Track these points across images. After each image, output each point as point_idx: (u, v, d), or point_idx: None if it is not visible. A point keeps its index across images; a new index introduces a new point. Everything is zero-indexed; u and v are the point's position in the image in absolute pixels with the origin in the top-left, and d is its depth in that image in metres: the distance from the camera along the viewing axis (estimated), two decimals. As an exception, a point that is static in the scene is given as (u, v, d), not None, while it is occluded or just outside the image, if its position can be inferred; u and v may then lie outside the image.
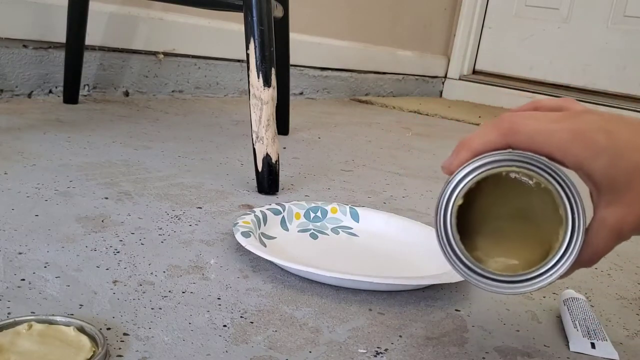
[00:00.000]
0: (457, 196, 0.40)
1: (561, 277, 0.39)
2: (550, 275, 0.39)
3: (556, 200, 0.38)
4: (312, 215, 0.70)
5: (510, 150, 0.39)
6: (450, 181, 0.40)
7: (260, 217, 0.65)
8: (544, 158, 0.38)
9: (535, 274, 0.39)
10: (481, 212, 0.41)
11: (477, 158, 0.39)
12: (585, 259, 0.40)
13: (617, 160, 0.37)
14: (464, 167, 0.39)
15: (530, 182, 0.39)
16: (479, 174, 0.39)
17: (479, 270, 0.40)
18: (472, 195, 0.40)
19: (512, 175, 0.40)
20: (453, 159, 0.41)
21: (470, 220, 0.41)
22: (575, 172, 0.39)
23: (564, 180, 0.38)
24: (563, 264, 0.38)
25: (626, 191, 0.38)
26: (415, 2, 2.39)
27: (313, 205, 0.70)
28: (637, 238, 0.87)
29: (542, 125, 0.39)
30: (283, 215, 0.68)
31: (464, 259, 0.40)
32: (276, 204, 0.69)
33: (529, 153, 0.38)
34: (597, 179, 0.38)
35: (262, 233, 0.63)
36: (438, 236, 0.40)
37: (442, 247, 0.41)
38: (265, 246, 0.60)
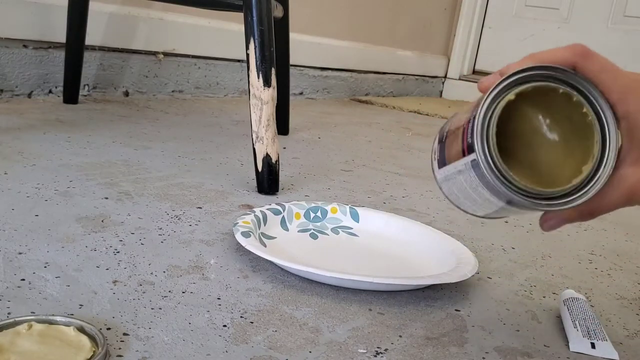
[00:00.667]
0: (511, 92, 0.38)
1: (550, 223, 0.41)
2: (578, 199, 0.38)
3: (595, 137, 0.38)
4: (312, 215, 0.70)
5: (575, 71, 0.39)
6: (506, 77, 0.38)
7: (260, 217, 0.65)
8: (603, 95, 0.38)
9: (557, 194, 0.38)
10: (523, 126, 0.40)
11: (541, 64, 0.38)
12: (588, 210, 0.41)
13: None
14: (528, 69, 0.38)
15: (581, 110, 0.38)
16: (541, 82, 0.38)
17: (513, 181, 0.38)
18: (518, 107, 0.39)
19: (566, 97, 0.39)
20: (508, 67, 0.40)
21: (511, 135, 0.40)
22: (620, 120, 0.39)
23: (606, 119, 0.38)
24: (593, 188, 0.38)
25: None
26: (415, 2, 2.39)
27: (313, 205, 0.70)
28: (638, 239, 0.87)
29: (614, 65, 0.39)
30: (283, 215, 0.68)
31: (500, 167, 0.38)
32: (276, 204, 0.69)
33: (592, 86, 0.38)
34: (637, 133, 0.38)
35: (262, 233, 0.63)
36: (474, 132, 0.38)
37: (476, 145, 0.38)
38: (265, 246, 0.60)
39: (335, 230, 0.69)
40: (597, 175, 0.38)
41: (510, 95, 0.38)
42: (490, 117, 0.38)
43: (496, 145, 0.38)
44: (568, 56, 0.40)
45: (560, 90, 0.39)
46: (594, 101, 0.38)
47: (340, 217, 0.70)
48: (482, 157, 0.38)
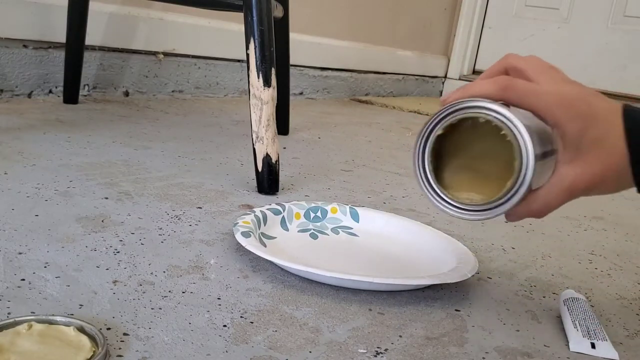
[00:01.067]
0: (440, 127, 0.46)
1: (509, 218, 0.47)
2: (493, 212, 0.46)
3: (515, 154, 0.44)
4: (312, 215, 0.70)
5: (501, 102, 0.45)
6: (437, 114, 0.46)
7: (260, 217, 0.65)
8: (518, 121, 0.44)
9: (484, 208, 0.46)
10: (457, 150, 0.48)
11: (470, 99, 0.45)
12: (537, 209, 0.47)
13: (589, 126, 0.45)
14: (456, 104, 0.45)
15: (501, 132, 0.44)
16: (465, 112, 0.45)
17: (442, 195, 0.48)
18: (452, 134, 0.47)
19: (489, 123, 0.45)
20: (449, 96, 0.47)
21: (448, 158, 0.48)
22: (552, 129, 0.46)
23: (524, 145, 0.44)
24: (508, 203, 0.45)
25: (587, 153, 0.45)
26: (415, 2, 2.39)
27: (313, 205, 0.70)
28: (638, 239, 0.87)
29: (534, 87, 0.45)
30: (283, 215, 0.68)
31: (433, 185, 0.48)
32: (276, 204, 0.69)
33: (508, 113, 0.44)
34: (568, 139, 0.45)
35: (262, 233, 0.63)
36: (415, 158, 0.48)
37: (416, 170, 0.48)
38: (265, 246, 0.60)
39: (335, 230, 0.69)
40: (518, 186, 0.44)
41: (439, 130, 0.47)
42: (424, 151, 0.47)
43: (432, 172, 0.48)
44: (493, 90, 0.46)
45: (482, 119, 0.45)
46: (510, 124, 0.44)
47: (340, 217, 0.70)
48: (422, 185, 0.48)
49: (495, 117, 0.44)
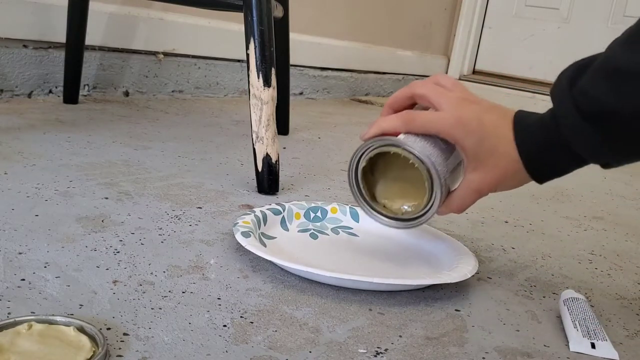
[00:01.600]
0: (363, 160, 0.57)
1: (437, 214, 0.57)
2: (421, 220, 0.57)
3: (424, 177, 0.55)
4: (312, 215, 0.70)
5: (404, 136, 0.55)
6: (359, 148, 0.57)
7: (260, 217, 0.65)
8: (419, 152, 0.53)
9: (412, 216, 0.58)
10: (387, 166, 0.59)
11: (380, 138, 0.55)
12: (456, 207, 0.57)
13: (482, 140, 0.53)
14: (371, 142, 0.56)
15: (410, 160, 0.54)
16: (378, 148, 0.56)
17: (378, 210, 0.60)
18: (377, 159, 0.57)
19: (395, 154, 0.55)
20: (367, 133, 0.56)
21: (381, 172, 0.59)
22: (455, 145, 0.55)
23: (427, 169, 0.54)
24: (427, 215, 0.56)
25: (485, 161, 0.54)
26: (415, 2, 2.39)
27: (313, 205, 0.70)
28: (638, 239, 0.87)
29: (431, 116, 0.55)
30: (283, 215, 0.67)
31: (369, 201, 0.60)
32: (276, 204, 0.69)
33: (410, 147, 0.54)
34: (468, 152, 0.54)
35: (262, 233, 0.63)
36: (350, 184, 0.59)
37: (352, 191, 0.60)
38: (265, 246, 0.60)
39: (335, 230, 0.69)
40: (433, 201, 0.55)
41: (363, 163, 0.57)
42: (356, 178, 0.59)
43: (366, 193, 0.59)
44: (399, 125, 0.55)
45: (392, 151, 0.55)
46: (413, 157, 0.54)
47: (340, 217, 0.70)
48: (360, 204, 0.60)
49: (401, 151, 0.54)
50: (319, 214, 0.70)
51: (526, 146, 0.54)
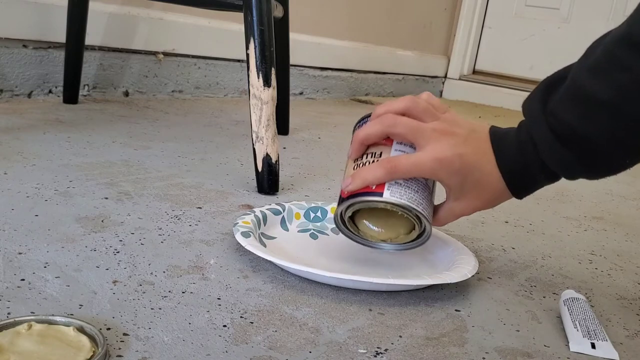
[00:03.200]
0: (348, 211, 0.57)
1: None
2: (417, 245, 0.59)
3: (412, 221, 0.57)
4: (312, 215, 0.70)
5: (388, 188, 0.55)
6: (344, 202, 0.57)
7: (260, 217, 0.64)
8: (405, 203, 0.54)
9: (408, 246, 0.59)
10: (370, 211, 0.59)
11: (364, 194, 0.55)
12: (438, 224, 0.60)
13: (465, 177, 0.55)
14: (356, 200, 0.56)
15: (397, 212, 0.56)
16: (364, 203, 0.56)
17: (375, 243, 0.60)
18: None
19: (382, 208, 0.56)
20: (350, 184, 0.56)
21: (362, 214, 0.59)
22: (439, 182, 0.58)
23: (417, 216, 0.55)
24: (420, 243, 0.58)
25: (469, 193, 0.57)
26: (415, 2, 2.39)
27: (313, 205, 0.70)
28: (638, 239, 0.87)
29: (413, 162, 0.55)
30: (283, 216, 0.67)
31: (362, 236, 0.59)
32: (276, 204, 0.68)
33: (398, 200, 0.55)
34: (451, 188, 0.57)
35: (262, 233, 0.63)
36: (338, 227, 0.59)
37: (344, 233, 0.60)
38: (265, 246, 0.60)
39: (335, 230, 0.69)
40: (423, 238, 0.57)
41: (349, 213, 0.57)
42: (345, 224, 0.58)
43: (352, 228, 0.59)
44: (383, 175, 0.55)
45: (380, 207, 0.56)
46: (404, 205, 0.55)
47: None
48: (357, 241, 0.60)
49: (390, 207, 0.55)
50: (318, 214, 0.70)
51: (509, 170, 0.56)
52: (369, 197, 0.55)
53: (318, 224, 0.69)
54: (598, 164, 0.53)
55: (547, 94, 0.54)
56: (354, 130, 0.62)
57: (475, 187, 0.56)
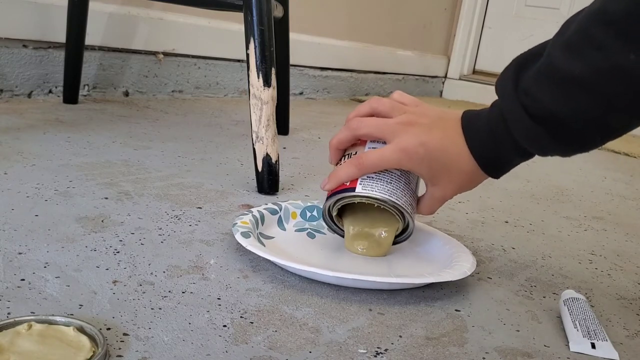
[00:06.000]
0: (333, 209, 0.61)
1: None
2: (402, 238, 0.63)
3: (392, 213, 0.60)
4: (309, 214, 0.70)
5: (361, 182, 0.58)
6: (327, 200, 0.61)
7: (258, 217, 0.64)
8: (378, 196, 0.57)
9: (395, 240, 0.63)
10: (353, 208, 0.63)
11: (340, 191, 0.59)
12: (424, 212, 0.61)
13: (432, 164, 0.56)
14: (334, 198, 0.59)
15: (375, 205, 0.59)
16: (342, 201, 0.60)
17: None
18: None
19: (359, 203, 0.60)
20: (327, 184, 0.60)
21: (348, 213, 0.63)
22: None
23: (394, 206, 0.58)
24: (406, 236, 0.62)
25: (442, 178, 0.58)
26: (415, 2, 2.39)
27: (309, 204, 0.70)
28: (638, 239, 0.87)
29: (379, 157, 0.57)
30: (280, 215, 0.68)
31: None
32: (272, 203, 0.68)
33: (369, 193, 0.58)
34: (423, 176, 0.59)
35: (260, 233, 0.63)
36: (327, 224, 0.64)
37: (330, 228, 0.64)
38: (264, 246, 0.60)
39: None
40: (407, 225, 0.61)
41: (334, 212, 0.62)
42: (334, 222, 0.63)
43: (339, 225, 0.63)
44: (354, 172, 0.58)
45: (357, 201, 0.59)
46: (378, 197, 0.57)
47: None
48: (330, 227, 0.65)
49: (365, 200, 0.58)
50: (314, 213, 0.70)
51: (481, 152, 0.57)
52: (344, 193, 0.59)
53: (314, 223, 0.69)
54: (571, 141, 0.53)
55: (519, 72, 0.54)
56: None
57: (446, 171, 0.57)
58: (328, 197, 0.60)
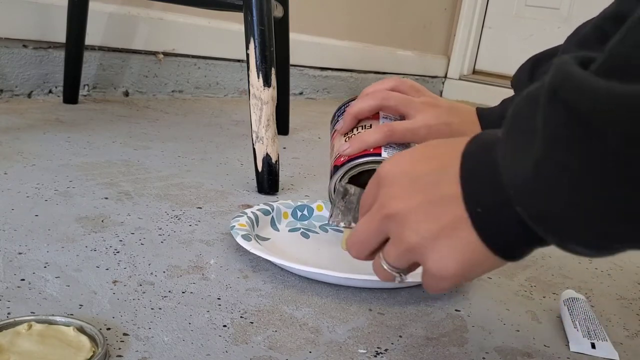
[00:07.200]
0: (344, 178, 0.59)
1: None
2: None
3: None
4: (299, 214, 0.70)
5: (385, 150, 0.57)
6: (341, 167, 0.58)
7: (253, 218, 0.64)
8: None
9: None
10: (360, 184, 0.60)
11: (363, 155, 0.57)
12: None
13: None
14: (353, 160, 0.57)
15: None
16: (362, 166, 0.58)
17: None
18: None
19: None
20: (348, 147, 0.58)
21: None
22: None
23: None
24: None
25: None
26: (415, 2, 2.39)
27: (299, 203, 0.70)
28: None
29: (407, 126, 0.58)
30: (272, 216, 0.68)
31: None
32: (264, 203, 0.68)
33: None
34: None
35: (256, 235, 0.63)
36: (337, 190, 0.58)
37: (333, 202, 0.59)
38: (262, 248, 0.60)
39: (323, 228, 0.69)
40: None
41: (346, 179, 0.59)
42: (341, 182, 0.59)
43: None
44: (380, 138, 0.57)
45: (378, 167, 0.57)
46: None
47: (326, 215, 0.70)
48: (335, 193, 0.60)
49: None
50: (305, 212, 0.70)
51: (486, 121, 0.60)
52: (369, 157, 0.58)
53: (305, 222, 0.69)
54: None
55: (535, 68, 0.56)
56: (331, 121, 0.65)
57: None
58: (346, 162, 0.58)
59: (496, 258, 0.36)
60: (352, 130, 0.61)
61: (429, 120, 0.58)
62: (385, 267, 0.41)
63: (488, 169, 0.34)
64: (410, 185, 0.39)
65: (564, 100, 0.28)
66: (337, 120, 0.64)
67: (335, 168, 0.59)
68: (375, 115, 0.60)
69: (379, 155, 0.57)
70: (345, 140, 0.60)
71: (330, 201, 0.60)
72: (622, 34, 0.27)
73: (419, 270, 0.62)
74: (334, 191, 0.59)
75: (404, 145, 0.58)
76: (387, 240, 0.41)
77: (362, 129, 0.60)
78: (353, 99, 0.63)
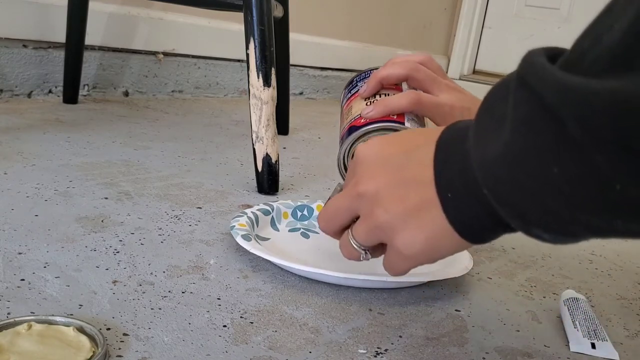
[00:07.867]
0: (362, 139, 0.56)
1: None
2: None
3: None
4: (299, 214, 0.70)
5: (408, 119, 0.57)
6: (359, 129, 0.57)
7: (253, 218, 0.64)
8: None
9: None
10: None
11: (385, 120, 0.56)
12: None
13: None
14: (373, 123, 0.56)
15: None
16: (381, 131, 0.56)
17: None
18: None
19: None
20: (372, 110, 0.57)
21: None
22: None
23: None
24: None
25: None
26: (415, 2, 2.39)
27: (299, 203, 0.70)
28: (638, 239, 0.86)
29: (434, 100, 0.58)
30: (272, 216, 0.68)
31: None
32: (264, 203, 0.68)
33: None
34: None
35: (256, 235, 0.63)
36: (340, 163, 0.59)
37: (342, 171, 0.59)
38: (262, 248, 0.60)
39: None
40: None
41: (364, 139, 0.56)
42: (348, 155, 0.58)
43: None
44: (406, 104, 0.56)
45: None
46: None
47: None
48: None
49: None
50: (305, 212, 0.70)
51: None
52: (393, 123, 0.56)
53: (305, 222, 0.69)
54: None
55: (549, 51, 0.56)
56: (346, 87, 0.65)
57: None
58: (365, 125, 0.57)
59: (462, 240, 0.37)
60: (374, 95, 0.60)
61: (454, 102, 0.58)
62: (352, 243, 0.43)
63: (460, 156, 0.36)
64: (383, 165, 0.40)
65: (530, 86, 0.30)
66: (356, 86, 0.62)
67: (354, 129, 0.57)
68: (397, 87, 0.60)
69: (402, 124, 0.56)
70: (367, 104, 0.58)
71: (339, 170, 0.59)
72: (585, 29, 0.29)
73: (419, 270, 0.62)
74: (349, 155, 0.58)
75: (422, 121, 0.58)
76: (357, 218, 0.43)
77: (384, 96, 0.59)
78: (375, 68, 0.62)
